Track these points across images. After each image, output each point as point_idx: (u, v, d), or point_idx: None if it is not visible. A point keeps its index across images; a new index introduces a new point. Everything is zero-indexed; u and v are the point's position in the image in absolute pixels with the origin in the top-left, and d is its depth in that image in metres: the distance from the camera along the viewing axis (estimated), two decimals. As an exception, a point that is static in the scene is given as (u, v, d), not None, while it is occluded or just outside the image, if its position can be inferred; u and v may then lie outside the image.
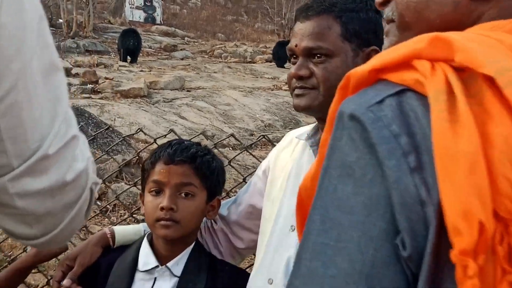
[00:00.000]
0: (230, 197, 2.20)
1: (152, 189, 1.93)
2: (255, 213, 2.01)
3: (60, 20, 22.65)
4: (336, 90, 1.65)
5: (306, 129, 1.88)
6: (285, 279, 1.70)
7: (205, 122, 10.53)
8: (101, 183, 5.69)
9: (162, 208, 1.87)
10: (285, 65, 17.44)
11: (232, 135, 2.73)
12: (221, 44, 24.11)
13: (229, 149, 8.77)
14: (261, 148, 9.37)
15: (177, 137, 2.31)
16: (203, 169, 1.93)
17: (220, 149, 7.92)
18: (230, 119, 10.97)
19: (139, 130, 2.64)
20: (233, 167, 2.70)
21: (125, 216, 6.47)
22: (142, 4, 27.70)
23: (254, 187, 2.06)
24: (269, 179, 1.94)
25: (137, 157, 6.65)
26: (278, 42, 19.65)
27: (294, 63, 1.71)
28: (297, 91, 1.70)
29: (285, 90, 13.57)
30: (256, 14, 33.92)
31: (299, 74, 1.67)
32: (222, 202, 2.09)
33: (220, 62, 19.28)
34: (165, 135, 2.56)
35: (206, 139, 2.72)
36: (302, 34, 1.68)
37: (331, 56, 1.65)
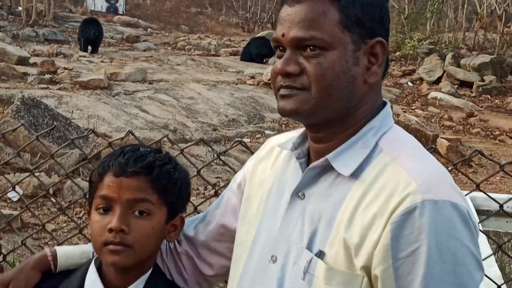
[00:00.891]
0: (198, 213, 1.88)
1: (100, 206, 1.60)
2: (227, 235, 1.69)
3: (20, 8, 22.05)
4: (332, 90, 1.32)
5: (290, 136, 1.56)
6: None
7: (167, 116, 10.21)
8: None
9: (110, 230, 1.55)
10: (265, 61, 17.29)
11: (202, 140, 2.44)
12: (185, 36, 23.75)
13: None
14: (225, 143, 9.11)
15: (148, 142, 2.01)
16: (161, 181, 1.61)
17: (181, 144, 7.64)
18: (193, 113, 10.66)
19: (90, 131, 2.34)
20: (201, 176, 2.41)
21: (81, 215, 6.19)
22: (105, -7, 27.19)
23: (227, 204, 1.73)
24: (245, 196, 1.63)
25: (95, 153, 6.33)
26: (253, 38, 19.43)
27: (280, 57, 1.39)
28: (283, 91, 1.38)
29: (250, 84, 13.31)
30: (220, 7, 33.59)
31: (287, 70, 1.35)
32: (187, 220, 1.77)
33: (183, 54, 18.94)
34: (122, 138, 2.22)
35: (171, 143, 2.41)
36: (291, 20, 1.35)
37: (327, 48, 1.33)
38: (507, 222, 5.38)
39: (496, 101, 14.64)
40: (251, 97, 12.13)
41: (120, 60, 15.43)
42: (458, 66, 16.69)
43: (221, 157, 2.47)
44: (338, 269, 1.31)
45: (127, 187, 1.57)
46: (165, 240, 1.73)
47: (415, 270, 1.22)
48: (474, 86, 15.41)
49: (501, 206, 2.27)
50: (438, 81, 16.05)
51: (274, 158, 1.60)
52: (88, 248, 1.77)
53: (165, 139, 2.32)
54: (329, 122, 1.40)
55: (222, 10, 33.27)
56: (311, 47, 1.33)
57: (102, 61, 14.72)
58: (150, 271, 1.67)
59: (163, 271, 1.74)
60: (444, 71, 16.44)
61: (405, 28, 20.20)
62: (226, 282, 1.65)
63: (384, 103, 1.46)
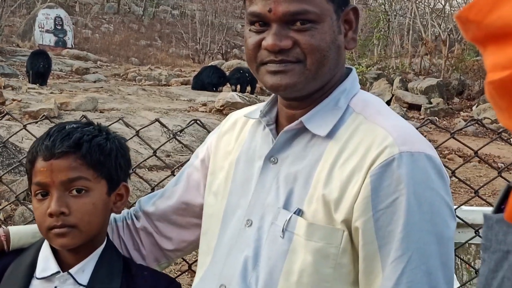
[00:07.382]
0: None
1: (37, 193, 1.56)
2: (189, 210, 1.71)
3: (-35, 43, 21.71)
4: (325, 61, 1.36)
5: (256, 107, 1.59)
6: (242, 284, 1.40)
7: (119, 143, 10.13)
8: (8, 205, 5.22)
9: (50, 215, 1.52)
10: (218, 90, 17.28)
11: (157, 120, 2.46)
12: (135, 68, 23.67)
13: (145, 170, 8.44)
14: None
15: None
16: (94, 156, 1.57)
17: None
18: (146, 140, 10.62)
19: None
20: (158, 157, 2.42)
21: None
22: (53, 27, 26.89)
23: (188, 179, 1.73)
24: (210, 170, 1.64)
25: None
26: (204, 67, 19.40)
27: (258, 32, 1.39)
28: (273, 67, 1.38)
29: (202, 111, 13.33)
30: (170, 39, 33.63)
31: (280, 46, 1.35)
32: (145, 196, 1.77)
33: (134, 85, 18.86)
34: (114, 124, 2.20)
35: (126, 126, 2.41)
36: None
37: (317, 21, 1.35)
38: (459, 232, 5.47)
39: (444, 122, 14.96)
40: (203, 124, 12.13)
41: (70, 91, 15.29)
42: (406, 89, 17.06)
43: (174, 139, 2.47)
44: (319, 224, 1.34)
45: (59, 169, 1.54)
46: (122, 216, 1.72)
47: (395, 220, 1.27)
48: (422, 108, 15.75)
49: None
50: (387, 104, 16.34)
51: (239, 130, 1.62)
52: None
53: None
54: (313, 91, 1.43)
55: (172, 42, 33.31)
56: (301, 21, 1.35)
57: (51, 92, 14.56)
58: (103, 245, 1.65)
59: (116, 246, 1.72)
60: (393, 95, 16.78)
61: (353, 54, 20.55)
62: (185, 260, 1.65)
63: (349, 68, 1.51)
